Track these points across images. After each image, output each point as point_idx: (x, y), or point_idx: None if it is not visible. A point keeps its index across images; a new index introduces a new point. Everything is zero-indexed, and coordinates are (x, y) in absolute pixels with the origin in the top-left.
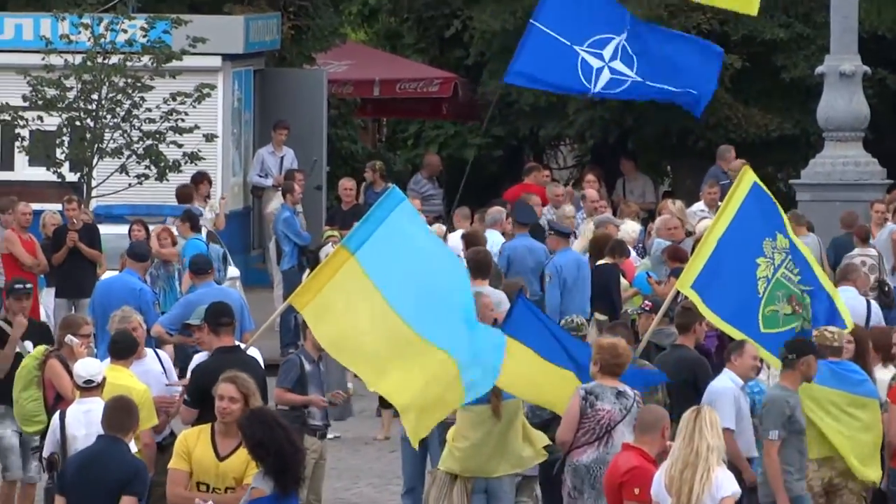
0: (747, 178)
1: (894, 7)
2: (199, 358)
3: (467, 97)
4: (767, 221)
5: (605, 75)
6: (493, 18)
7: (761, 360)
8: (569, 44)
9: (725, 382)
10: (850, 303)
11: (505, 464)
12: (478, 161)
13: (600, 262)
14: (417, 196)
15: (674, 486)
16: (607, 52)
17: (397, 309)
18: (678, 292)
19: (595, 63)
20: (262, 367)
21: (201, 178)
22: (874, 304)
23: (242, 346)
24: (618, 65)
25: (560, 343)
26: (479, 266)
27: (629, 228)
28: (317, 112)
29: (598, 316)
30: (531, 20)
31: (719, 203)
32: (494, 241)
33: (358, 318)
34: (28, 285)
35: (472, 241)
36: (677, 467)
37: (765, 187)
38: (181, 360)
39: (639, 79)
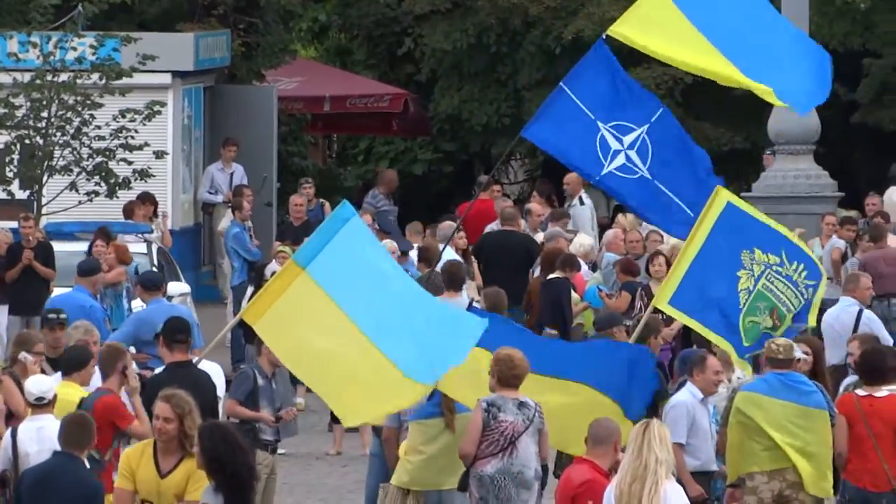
0: (721, 197)
1: (845, 21)
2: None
3: (417, 113)
4: (744, 236)
5: (620, 159)
6: (444, 38)
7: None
8: (593, 118)
9: (683, 396)
10: (840, 313)
11: (457, 477)
12: (428, 176)
13: (551, 275)
14: (372, 211)
15: (623, 499)
16: (627, 140)
17: (355, 319)
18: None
19: (614, 145)
20: (218, 382)
21: (145, 199)
22: (868, 313)
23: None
24: (633, 155)
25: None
26: (453, 279)
27: (580, 242)
28: (267, 129)
29: (549, 330)
30: (562, 84)
31: None
32: (446, 256)
33: (314, 330)
34: (62, 315)
35: (428, 255)
36: (626, 481)
37: (743, 205)
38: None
39: (648, 176)
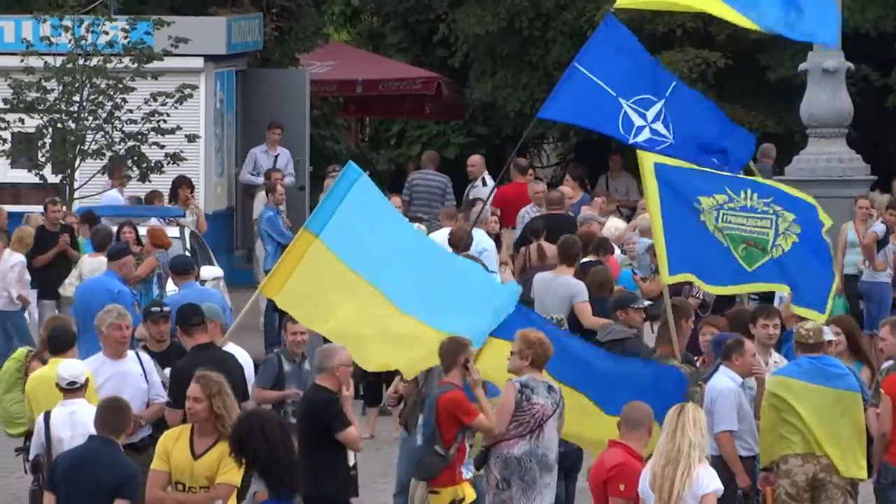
0: (647, 161)
1: (878, 5)
2: None
3: (450, 96)
4: (686, 187)
5: (646, 133)
6: (476, 22)
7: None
8: (614, 94)
9: (725, 382)
10: None
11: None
12: (460, 160)
13: (585, 259)
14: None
15: (656, 482)
16: (650, 113)
17: (373, 281)
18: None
19: (637, 121)
20: (244, 364)
21: (181, 183)
22: None
23: (218, 342)
24: (659, 126)
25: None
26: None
27: (613, 226)
28: (299, 112)
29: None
30: (575, 63)
31: None
32: (480, 239)
33: (335, 296)
34: (166, 308)
35: (455, 239)
36: (660, 463)
37: (668, 160)
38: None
39: (675, 143)
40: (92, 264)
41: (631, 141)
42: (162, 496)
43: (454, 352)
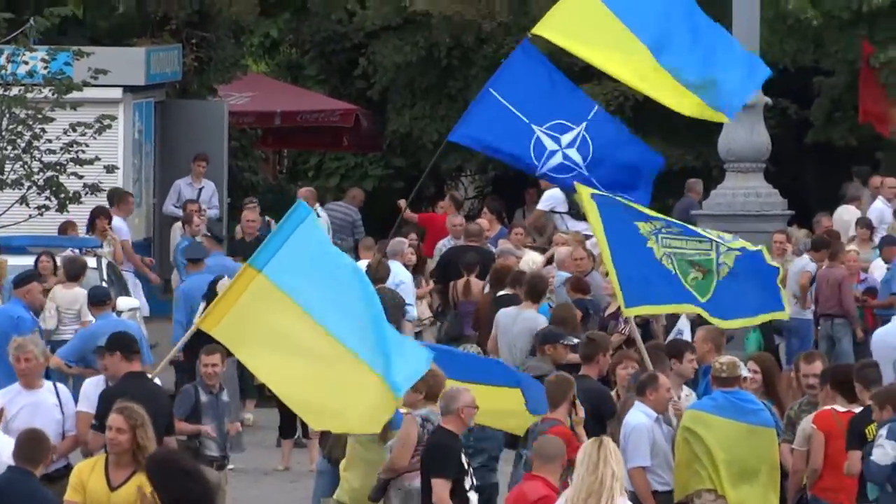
0: (585, 196)
1: (796, 38)
2: (91, 383)
3: (368, 128)
4: (626, 215)
5: (557, 159)
6: (395, 52)
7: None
8: (527, 121)
9: (640, 418)
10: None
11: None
12: (378, 192)
13: (501, 292)
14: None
15: None
16: (565, 139)
17: (318, 319)
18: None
19: (550, 146)
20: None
21: (98, 213)
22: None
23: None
24: (573, 153)
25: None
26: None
27: (530, 259)
28: (218, 143)
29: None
30: (488, 87)
31: None
32: (396, 271)
33: (277, 330)
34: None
35: (376, 271)
36: (581, 496)
37: (602, 192)
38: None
39: (586, 173)
40: (66, 295)
41: (539, 171)
42: None
43: (564, 388)
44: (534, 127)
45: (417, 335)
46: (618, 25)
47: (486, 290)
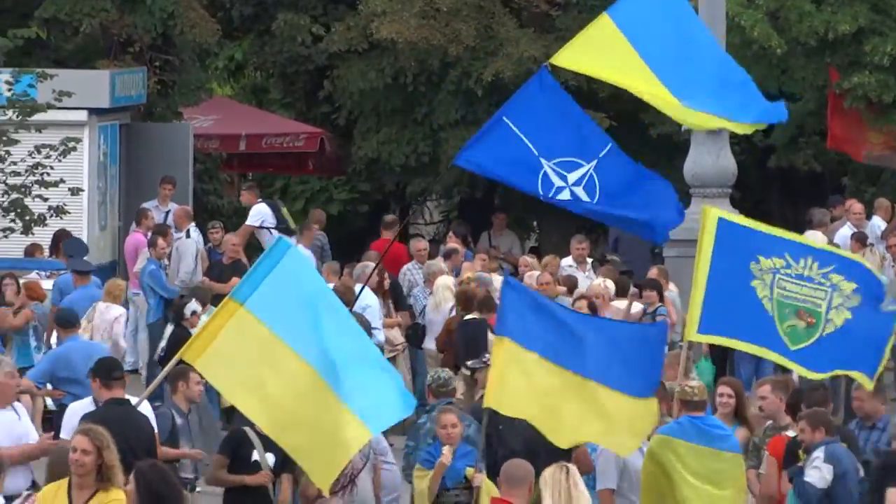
0: (711, 216)
1: (762, 66)
2: (78, 407)
3: (333, 152)
4: (746, 247)
5: (565, 195)
6: (360, 77)
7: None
8: (536, 154)
9: None
10: None
11: None
12: (344, 216)
13: (468, 316)
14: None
15: None
16: (572, 177)
17: (301, 353)
18: None
19: (557, 182)
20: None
21: (62, 236)
22: None
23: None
24: (579, 191)
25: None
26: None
27: (498, 284)
28: (183, 166)
29: (464, 371)
30: (501, 115)
31: (587, 259)
32: (364, 295)
33: (256, 364)
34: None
35: (343, 294)
36: None
37: (735, 217)
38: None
39: (597, 208)
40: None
41: (549, 197)
42: None
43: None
44: (542, 161)
45: (391, 361)
46: (638, 62)
47: (453, 312)
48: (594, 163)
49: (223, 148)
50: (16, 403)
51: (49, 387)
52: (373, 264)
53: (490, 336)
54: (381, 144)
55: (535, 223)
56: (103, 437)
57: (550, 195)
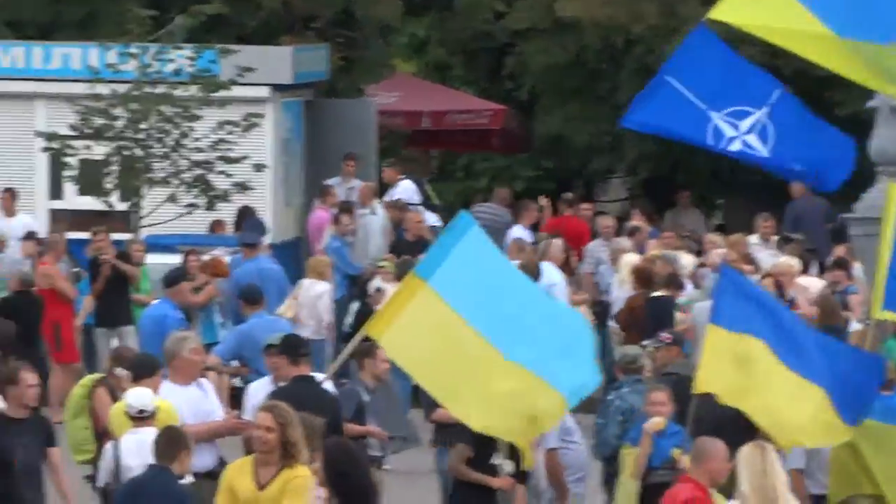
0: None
1: None
2: (258, 386)
3: (517, 129)
4: None
5: (737, 145)
6: (543, 54)
7: None
8: (704, 108)
9: None
10: None
11: None
12: (528, 193)
13: (656, 293)
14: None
15: None
16: (744, 125)
17: (482, 331)
18: None
19: (729, 132)
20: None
21: (247, 213)
22: None
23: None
24: (752, 139)
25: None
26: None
27: (684, 262)
28: (366, 143)
29: (648, 348)
30: (663, 74)
31: (773, 236)
32: (548, 273)
33: (439, 343)
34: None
35: (527, 272)
36: (755, 499)
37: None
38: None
39: (769, 156)
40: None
41: (718, 149)
42: None
43: None
44: (711, 114)
45: None
46: (798, 8)
47: (625, 290)
48: (765, 109)
49: (407, 125)
50: (202, 380)
51: (235, 364)
52: (558, 242)
53: (676, 314)
54: (564, 122)
55: (719, 201)
56: (287, 413)
57: (721, 146)
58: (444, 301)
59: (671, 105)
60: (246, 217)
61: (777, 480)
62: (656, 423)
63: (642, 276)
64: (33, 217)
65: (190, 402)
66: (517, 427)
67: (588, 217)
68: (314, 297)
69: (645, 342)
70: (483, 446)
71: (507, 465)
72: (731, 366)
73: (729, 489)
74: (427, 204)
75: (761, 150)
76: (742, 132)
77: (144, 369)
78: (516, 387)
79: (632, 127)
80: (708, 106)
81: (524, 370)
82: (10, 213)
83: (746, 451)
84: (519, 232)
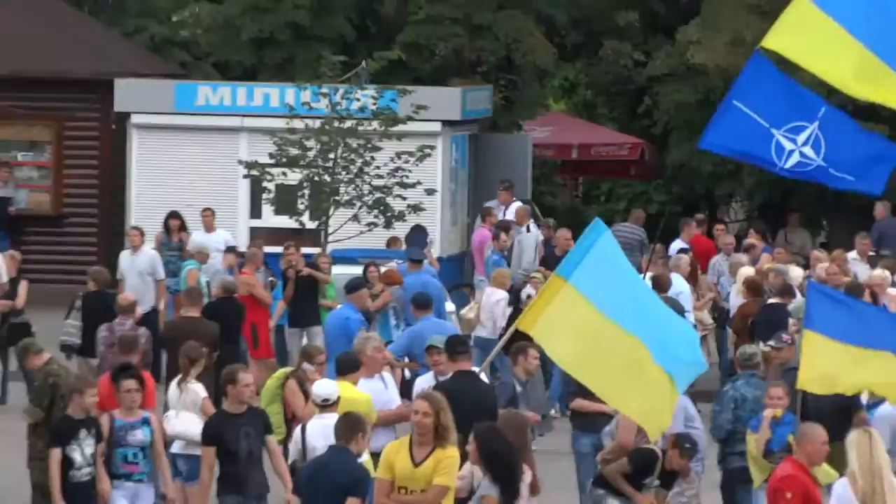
0: None
1: None
2: (424, 379)
3: (651, 160)
4: None
5: (795, 157)
6: (675, 94)
7: None
8: (767, 126)
9: (886, 408)
10: None
11: None
12: (660, 215)
13: (772, 300)
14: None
15: (867, 497)
16: (801, 138)
17: (619, 322)
18: None
19: (788, 146)
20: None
21: (419, 230)
22: None
23: (476, 370)
24: (808, 150)
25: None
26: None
27: (794, 274)
28: (523, 171)
29: (763, 347)
30: (731, 99)
31: (870, 252)
32: (676, 282)
33: (582, 334)
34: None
35: (659, 283)
36: (866, 479)
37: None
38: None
39: (823, 164)
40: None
41: (779, 168)
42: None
43: None
44: (773, 131)
45: (702, 339)
46: (839, 31)
47: (735, 297)
48: (816, 123)
49: (557, 155)
50: (384, 373)
51: (406, 360)
52: (686, 257)
53: (790, 320)
54: (692, 154)
55: (824, 222)
56: (440, 401)
57: (782, 162)
58: (582, 296)
59: (739, 125)
60: (413, 235)
61: (883, 459)
62: (773, 412)
63: (752, 287)
64: (233, 233)
65: (374, 392)
66: (654, 409)
67: (715, 235)
68: (493, 302)
69: (770, 342)
70: (647, 462)
71: (653, 482)
72: (827, 361)
73: (840, 469)
74: (536, 222)
75: (816, 159)
76: (799, 145)
77: (350, 365)
78: (653, 375)
79: (708, 148)
80: (770, 124)
81: (650, 356)
82: (210, 228)
83: (855, 436)
84: (679, 245)
